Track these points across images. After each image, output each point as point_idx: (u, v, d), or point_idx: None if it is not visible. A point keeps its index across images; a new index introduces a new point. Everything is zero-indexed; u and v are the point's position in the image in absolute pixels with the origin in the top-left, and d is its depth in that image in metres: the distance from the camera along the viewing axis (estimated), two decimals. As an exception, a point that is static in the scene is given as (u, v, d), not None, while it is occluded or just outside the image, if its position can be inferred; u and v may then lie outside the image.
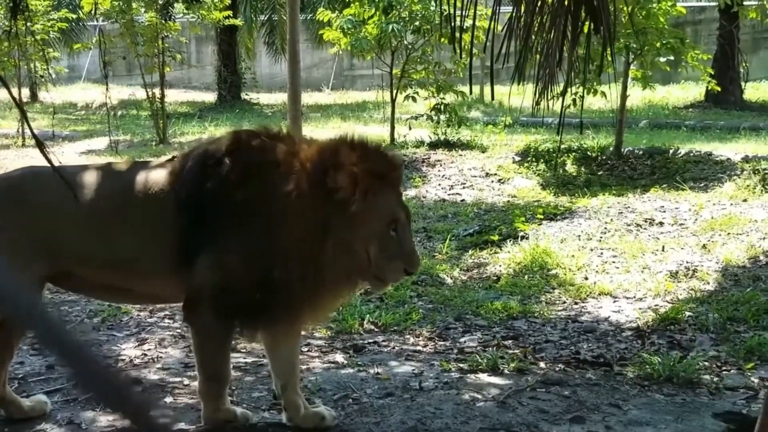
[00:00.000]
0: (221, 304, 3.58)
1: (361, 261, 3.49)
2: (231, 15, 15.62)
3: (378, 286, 3.78)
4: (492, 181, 10.85)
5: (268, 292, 3.52)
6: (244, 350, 5.09)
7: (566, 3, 3.26)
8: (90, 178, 3.74)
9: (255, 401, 4.30)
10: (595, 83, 11.54)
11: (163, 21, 14.10)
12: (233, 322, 3.66)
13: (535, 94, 4.40)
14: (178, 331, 5.42)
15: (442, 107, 12.78)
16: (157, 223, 3.63)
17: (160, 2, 14.49)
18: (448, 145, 12.56)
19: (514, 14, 3.39)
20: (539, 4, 3.29)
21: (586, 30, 3.43)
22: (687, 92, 20.51)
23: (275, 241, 3.50)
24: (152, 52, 13.95)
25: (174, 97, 20.27)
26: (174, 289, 3.74)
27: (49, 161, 3.33)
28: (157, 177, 3.70)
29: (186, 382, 4.57)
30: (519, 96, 9.84)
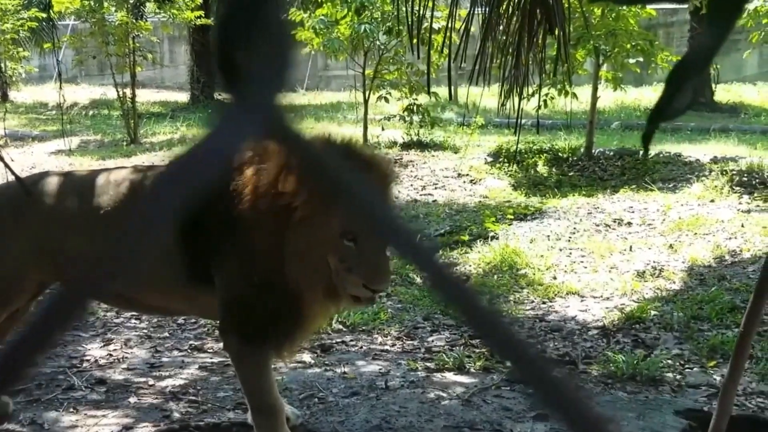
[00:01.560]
0: (240, 328, 3.42)
1: (321, 273, 3.22)
2: (203, 15, 15.56)
3: (347, 302, 3.37)
4: (464, 182, 10.89)
5: (268, 310, 3.34)
6: (210, 350, 5.08)
7: (522, 3, 3.29)
8: (99, 183, 3.67)
9: (220, 401, 4.29)
10: (566, 85, 11.63)
11: (134, 20, 14.01)
12: (261, 345, 3.45)
13: (500, 96, 4.43)
14: (145, 331, 5.40)
15: (415, 108, 12.81)
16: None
17: (131, 1, 14.39)
18: (421, 145, 12.59)
19: (470, 14, 3.41)
20: (496, 4, 3.32)
21: (541, 32, 3.46)
22: (659, 94, 20.64)
23: (254, 257, 3.30)
24: (123, 52, 13.87)
25: (146, 96, 20.16)
26: (182, 303, 3.66)
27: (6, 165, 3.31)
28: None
29: (151, 382, 4.56)
30: (493, 97, 9.87)
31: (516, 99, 4.40)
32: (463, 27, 3.54)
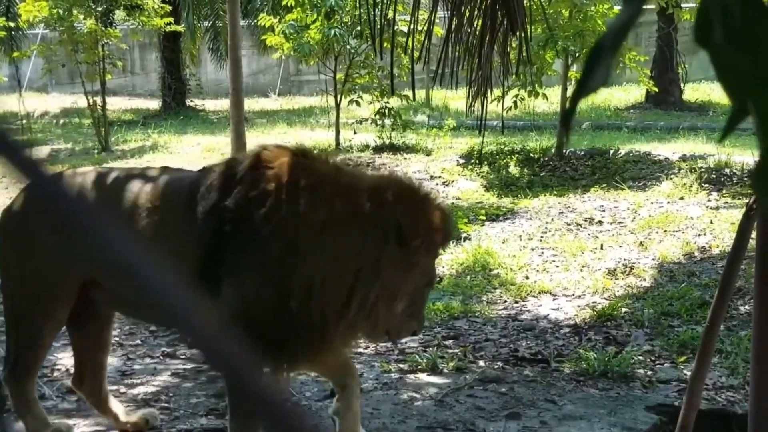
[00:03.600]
0: (247, 335, 3.24)
1: (394, 314, 3.31)
2: (173, 21, 15.49)
3: (378, 340, 3.57)
4: (436, 184, 10.92)
5: (290, 326, 3.25)
6: (182, 357, 5.06)
7: (484, 6, 3.31)
8: (121, 185, 3.60)
9: (193, 407, 4.28)
10: (536, 86, 11.71)
11: (103, 28, 13.93)
12: (264, 358, 3.32)
13: (467, 98, 4.46)
14: (116, 339, 5.36)
15: (387, 111, 12.83)
16: (177, 240, 3.40)
17: (100, 9, 14.30)
18: (393, 148, 12.61)
19: (431, 16, 3.44)
20: (458, 5, 3.34)
21: (502, 33, 3.48)
22: (628, 94, 20.83)
23: (311, 273, 3.20)
24: (92, 60, 13.78)
25: (118, 104, 20.04)
26: None
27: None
28: (181, 190, 3.48)
29: (123, 390, 4.54)
30: (465, 99, 9.91)
31: (483, 100, 4.42)
32: (426, 29, 3.55)
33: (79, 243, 3.50)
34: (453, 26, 3.47)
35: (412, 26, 3.73)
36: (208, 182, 3.38)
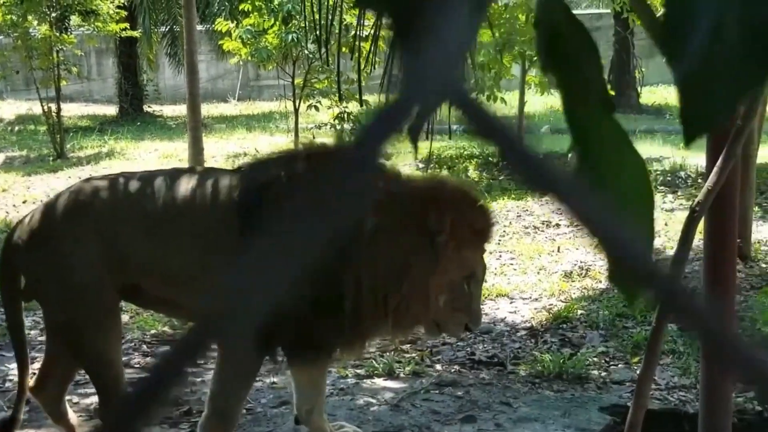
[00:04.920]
0: (270, 331, 3.23)
1: (429, 307, 3.41)
2: (128, 27, 15.35)
3: (434, 334, 3.69)
4: (395, 189, 10.93)
5: (326, 322, 3.35)
6: (136, 365, 5.01)
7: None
8: (155, 186, 3.53)
9: (147, 416, 4.23)
10: (495, 90, 11.78)
11: (58, 34, 13.76)
12: (272, 353, 3.44)
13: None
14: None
15: (346, 116, 12.83)
16: (216, 240, 3.39)
17: (54, 15, 14.13)
18: (353, 153, 12.60)
19: (377, 22, 3.44)
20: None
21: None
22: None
23: (347, 269, 3.30)
24: (47, 66, 13.60)
25: (74, 110, 19.78)
26: None
27: None
28: (219, 188, 3.48)
29: (75, 399, 4.48)
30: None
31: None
32: (371, 34, 3.55)
33: (122, 249, 3.45)
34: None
35: (358, 32, 3.73)
36: (250, 177, 3.46)
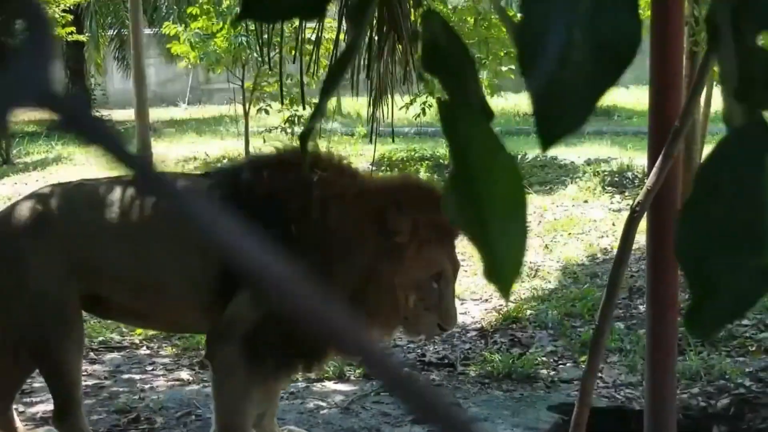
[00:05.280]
0: (257, 341, 3.27)
1: (399, 308, 3.35)
2: (75, 31, 15.14)
3: (411, 334, 3.68)
4: (347, 192, 10.93)
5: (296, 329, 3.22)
6: (85, 372, 4.93)
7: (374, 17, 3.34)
8: (120, 194, 3.46)
9: (94, 424, 4.18)
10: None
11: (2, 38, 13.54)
12: (263, 364, 3.36)
13: (369, 105, 4.48)
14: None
15: (297, 119, 12.79)
16: (190, 249, 3.31)
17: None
18: (304, 157, 12.57)
19: (320, 24, 3.45)
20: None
21: (389, 42, 3.53)
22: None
23: (322, 275, 3.19)
24: (-9, 70, 13.38)
25: (21, 115, 19.46)
26: (198, 316, 3.48)
27: None
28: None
29: (21, 408, 4.41)
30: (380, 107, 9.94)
31: (384, 107, 4.47)
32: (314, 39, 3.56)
33: (85, 259, 3.38)
34: (337, 36, 3.50)
35: (300, 35, 3.74)
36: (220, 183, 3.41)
